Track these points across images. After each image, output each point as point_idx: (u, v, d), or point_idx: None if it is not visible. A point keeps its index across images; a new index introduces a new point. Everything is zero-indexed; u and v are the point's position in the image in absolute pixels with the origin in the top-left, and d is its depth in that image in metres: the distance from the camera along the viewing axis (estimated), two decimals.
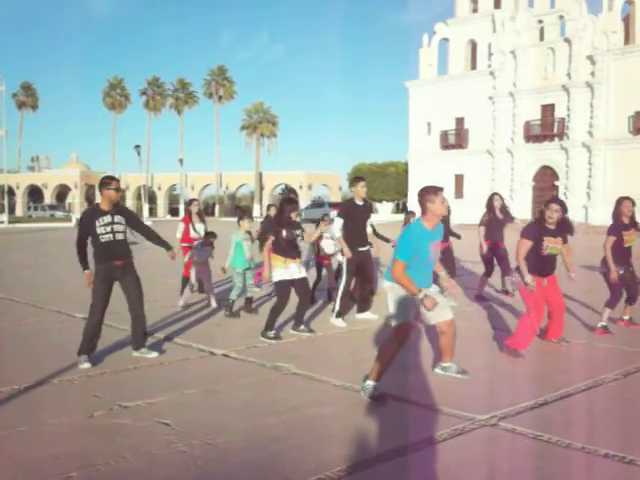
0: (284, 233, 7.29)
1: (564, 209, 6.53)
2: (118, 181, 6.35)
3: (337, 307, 8.13)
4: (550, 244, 6.48)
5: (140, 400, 4.93)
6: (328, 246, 9.87)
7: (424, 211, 5.14)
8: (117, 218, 6.15)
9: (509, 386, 5.48)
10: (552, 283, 6.64)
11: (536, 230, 6.55)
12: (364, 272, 8.31)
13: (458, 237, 10.50)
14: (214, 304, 9.44)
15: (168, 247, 6.66)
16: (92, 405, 4.82)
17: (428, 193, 5.12)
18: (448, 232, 9.84)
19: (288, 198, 7.76)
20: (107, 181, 6.18)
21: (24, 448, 4.03)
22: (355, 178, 8.32)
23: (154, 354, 6.36)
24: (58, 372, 5.72)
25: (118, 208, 6.27)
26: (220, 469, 3.72)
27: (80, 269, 6.17)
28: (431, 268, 5.33)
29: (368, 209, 8.49)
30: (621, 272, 7.47)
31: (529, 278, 6.39)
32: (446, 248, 9.82)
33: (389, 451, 3.94)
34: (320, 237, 9.81)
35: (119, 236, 6.15)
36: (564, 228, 6.69)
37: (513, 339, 6.45)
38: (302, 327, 7.56)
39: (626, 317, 7.93)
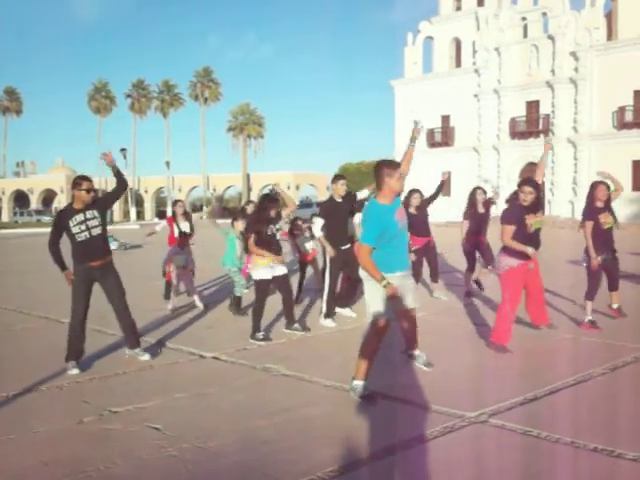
0: (268, 230, 7.26)
1: (537, 189, 6.53)
2: (90, 181, 6.15)
3: (324, 309, 8.13)
4: (533, 221, 6.48)
5: (130, 405, 4.91)
6: (302, 243, 9.92)
7: (381, 186, 5.01)
8: (89, 213, 6.01)
9: (498, 382, 5.51)
10: (535, 269, 6.61)
11: (516, 212, 6.51)
12: (351, 268, 8.30)
13: (441, 186, 10.06)
14: (200, 305, 9.39)
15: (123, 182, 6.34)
16: (82, 411, 4.80)
17: (387, 167, 5.01)
18: (426, 226, 9.75)
19: (267, 195, 7.69)
20: (78, 182, 6.03)
21: (13, 455, 4.02)
22: (335, 176, 8.34)
23: (147, 356, 6.34)
24: (47, 378, 5.69)
25: (90, 204, 6.07)
26: (211, 472, 3.72)
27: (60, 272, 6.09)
28: (405, 237, 5.23)
29: (350, 202, 8.35)
30: (604, 258, 7.50)
31: (529, 250, 6.36)
32: (427, 243, 9.76)
33: (380, 450, 3.95)
34: (296, 235, 9.85)
35: (95, 231, 6.03)
36: (539, 203, 6.66)
37: (495, 334, 6.48)
38: (296, 325, 7.54)
39: (615, 306, 7.94)
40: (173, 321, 8.52)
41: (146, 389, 5.38)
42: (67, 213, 6.07)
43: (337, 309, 8.44)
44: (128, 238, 21.94)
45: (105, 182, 72.88)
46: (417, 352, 5.79)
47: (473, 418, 4.49)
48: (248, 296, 9.08)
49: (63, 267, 6.02)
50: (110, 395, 5.23)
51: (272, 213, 7.29)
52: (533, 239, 6.51)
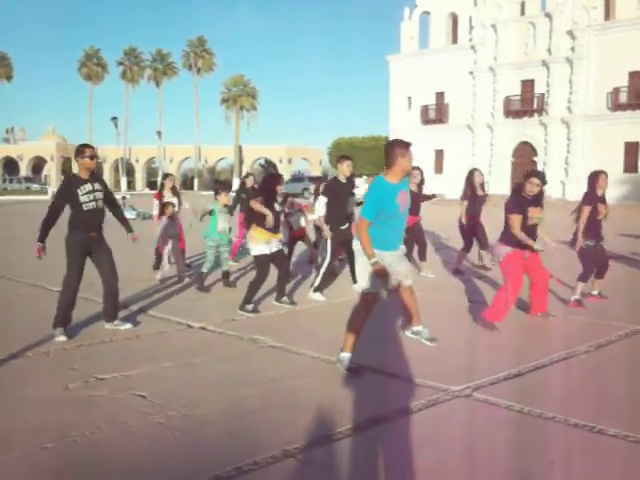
0: (276, 207, 7.34)
1: (543, 182, 6.58)
2: (93, 148, 6.19)
3: (317, 282, 8.15)
4: (534, 214, 6.54)
5: (116, 372, 4.92)
6: (295, 221, 9.97)
7: (391, 164, 5.05)
8: (96, 185, 6.09)
9: (483, 358, 5.57)
10: (534, 256, 6.69)
11: (521, 202, 6.58)
12: (347, 248, 8.33)
13: (432, 197, 10.51)
14: (183, 277, 9.38)
15: (129, 229, 6.59)
16: (68, 377, 4.81)
17: (400, 147, 5.08)
18: (418, 205, 9.77)
19: (273, 173, 7.74)
20: (81, 149, 6.05)
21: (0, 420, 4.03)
22: (341, 157, 8.32)
23: (127, 325, 6.35)
24: (34, 345, 5.69)
25: (95, 176, 6.18)
26: (196, 440, 3.74)
27: (50, 244, 6.01)
28: (403, 220, 5.30)
29: (351, 185, 8.51)
30: (591, 243, 7.57)
31: (536, 246, 6.46)
32: (415, 223, 9.77)
33: (364, 421, 3.99)
34: (288, 214, 9.87)
35: (100, 204, 6.11)
36: (540, 197, 6.71)
37: (489, 311, 6.54)
38: (284, 299, 7.58)
39: (595, 292, 8.04)
40: (162, 291, 8.52)
41: (133, 357, 5.39)
42: (76, 181, 6.06)
43: (311, 294, 8.47)
44: (146, 207, 21.53)
45: (99, 151, 72.40)
46: (420, 327, 5.80)
47: (457, 392, 4.54)
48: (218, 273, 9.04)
49: (42, 238, 5.96)
50: (97, 362, 5.23)
51: (278, 190, 7.37)
52: (530, 232, 6.58)
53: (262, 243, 7.25)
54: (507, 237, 6.62)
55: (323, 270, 8.14)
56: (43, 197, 49.46)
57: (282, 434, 3.80)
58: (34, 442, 3.67)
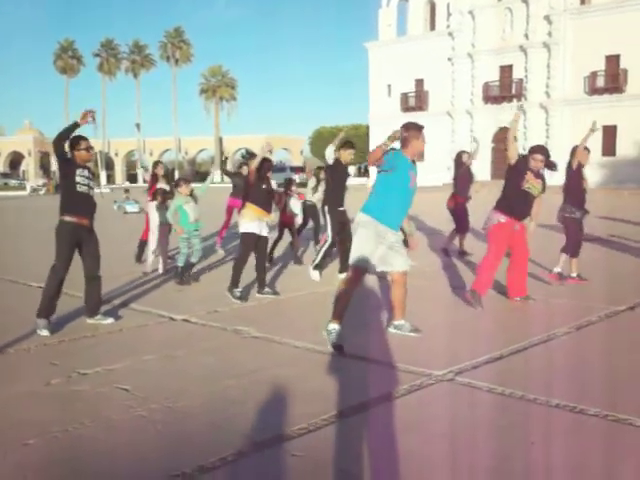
0: (264, 185, 7.43)
1: (547, 156, 6.66)
2: (88, 140, 6.09)
3: (318, 259, 8.35)
4: (531, 180, 6.59)
5: (99, 367, 4.89)
6: (295, 205, 10.16)
7: (406, 145, 5.37)
8: (89, 174, 6.10)
9: (465, 342, 5.60)
10: (521, 231, 6.74)
11: (523, 163, 6.69)
12: (344, 230, 8.41)
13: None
14: (161, 270, 9.28)
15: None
16: (50, 373, 4.77)
17: (415, 129, 5.41)
18: None
19: (266, 158, 7.75)
20: (77, 141, 5.95)
21: None
22: (347, 143, 8.46)
23: (110, 320, 6.30)
24: (14, 341, 5.63)
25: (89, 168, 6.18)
26: (180, 432, 3.73)
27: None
28: (410, 199, 5.48)
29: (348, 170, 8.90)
30: (578, 214, 7.68)
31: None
32: None
33: (348, 408, 4.00)
34: (288, 195, 10.04)
35: (92, 192, 6.11)
36: (542, 174, 6.81)
37: (477, 282, 6.63)
38: (266, 289, 7.58)
39: (573, 274, 8.06)
40: (143, 284, 8.47)
41: (115, 351, 5.35)
42: (75, 163, 5.97)
43: (338, 275, 8.51)
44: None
45: None
46: (402, 321, 5.68)
47: (440, 376, 4.57)
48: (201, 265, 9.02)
49: (75, 123, 5.83)
50: (78, 357, 5.20)
51: (266, 173, 7.47)
52: (523, 199, 6.65)
53: (252, 221, 7.28)
54: (502, 205, 6.69)
55: (325, 247, 8.32)
56: (21, 192, 48.85)
57: (265, 424, 3.80)
58: (14, 438, 3.63)
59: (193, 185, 9.04)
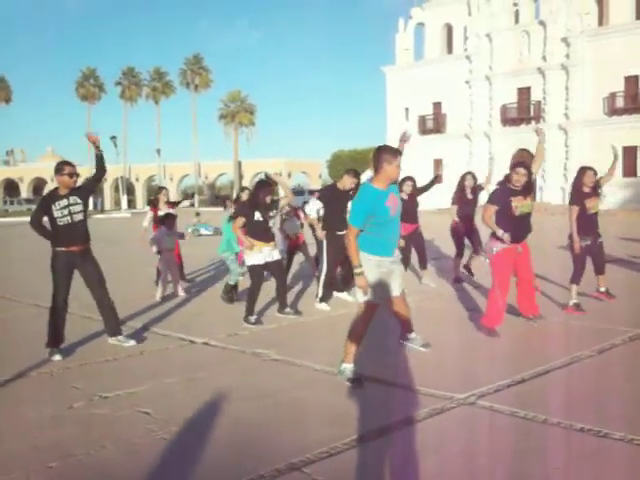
0: (256, 215, 7.31)
1: (530, 172, 6.57)
2: (72, 166, 6.17)
3: (320, 292, 8.18)
4: (519, 204, 6.48)
5: (120, 390, 4.92)
6: (290, 227, 9.95)
7: (378, 170, 5.01)
8: (72, 199, 6.07)
9: (487, 365, 5.55)
10: (524, 254, 6.61)
11: (502, 193, 6.53)
12: (345, 254, 8.34)
13: (435, 180, 10.30)
14: (182, 293, 9.33)
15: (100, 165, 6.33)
16: (71, 396, 4.81)
17: (387, 153, 5.00)
18: (414, 213, 9.71)
19: (262, 181, 7.75)
20: (60, 167, 6.09)
21: (3, 440, 4.02)
22: (349, 170, 8.36)
23: (132, 342, 6.33)
24: (36, 365, 5.69)
25: (75, 190, 6.13)
26: (201, 455, 3.73)
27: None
28: (397, 223, 5.19)
29: (353, 195, 8.47)
30: (587, 243, 7.55)
31: (503, 234, 6.32)
32: (414, 231, 9.72)
33: (369, 432, 3.98)
34: (284, 220, 9.89)
35: (77, 217, 6.08)
36: (530, 188, 6.62)
37: (486, 318, 6.52)
38: (287, 309, 7.59)
39: (602, 289, 7.97)
40: (163, 308, 8.52)
41: (136, 374, 5.38)
42: (52, 197, 6.13)
43: (335, 293, 8.49)
44: (218, 223, 21.41)
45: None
46: (412, 335, 5.69)
47: (462, 400, 4.53)
48: (242, 283, 9.06)
49: (48, 235, 6.08)
50: (100, 381, 5.23)
51: (263, 199, 7.28)
52: (520, 223, 6.51)
53: (255, 253, 7.27)
54: (510, 227, 6.57)
55: (322, 279, 8.16)
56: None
57: (286, 447, 3.79)
58: (38, 461, 3.66)
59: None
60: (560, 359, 5.49)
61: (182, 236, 9.69)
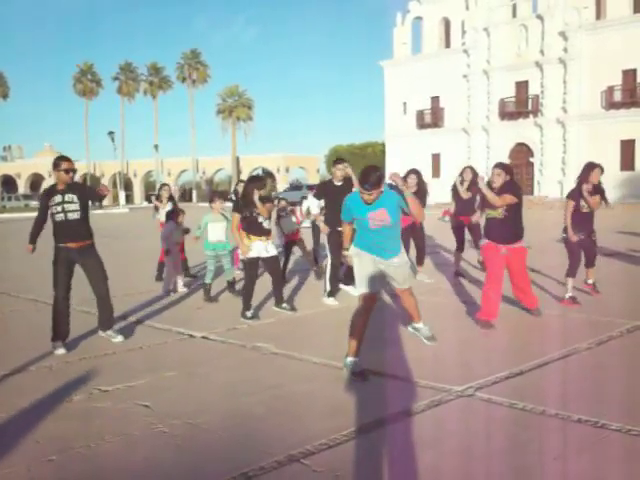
0: (245, 211, 7.34)
1: (508, 172, 6.58)
2: (69, 161, 6.14)
3: (327, 287, 8.19)
4: (489, 209, 6.56)
5: (119, 384, 4.93)
6: (286, 225, 9.98)
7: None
8: (68, 197, 6.02)
9: (485, 358, 5.57)
10: (514, 256, 6.58)
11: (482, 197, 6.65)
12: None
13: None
14: (182, 289, 9.28)
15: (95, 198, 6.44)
16: (71, 390, 4.82)
17: (361, 177, 4.96)
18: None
19: (253, 176, 7.77)
20: (57, 162, 6.07)
21: (3, 434, 4.03)
22: (336, 160, 8.36)
23: (119, 338, 6.33)
24: (36, 359, 5.70)
25: (70, 185, 6.10)
26: (201, 448, 3.75)
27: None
28: (380, 235, 5.16)
29: (348, 189, 8.44)
30: (581, 237, 7.58)
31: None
32: (414, 223, 9.65)
33: (368, 424, 4.00)
34: (279, 217, 9.91)
35: (72, 215, 6.03)
36: (509, 189, 6.55)
37: (482, 311, 6.56)
38: (284, 305, 7.59)
39: (590, 281, 8.02)
40: (163, 302, 8.53)
41: (135, 368, 5.39)
42: (49, 192, 6.14)
43: (341, 286, 8.49)
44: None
45: (93, 166, 72.44)
46: (420, 325, 5.76)
47: (460, 392, 4.55)
48: (224, 282, 9.07)
49: (31, 240, 6.23)
50: (99, 374, 5.24)
51: (253, 194, 7.25)
52: (496, 225, 6.57)
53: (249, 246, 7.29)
54: (485, 229, 6.74)
55: (329, 274, 8.18)
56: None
57: (286, 439, 3.81)
58: (38, 454, 3.68)
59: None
60: (558, 351, 5.52)
61: (187, 231, 9.69)
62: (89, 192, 6.38)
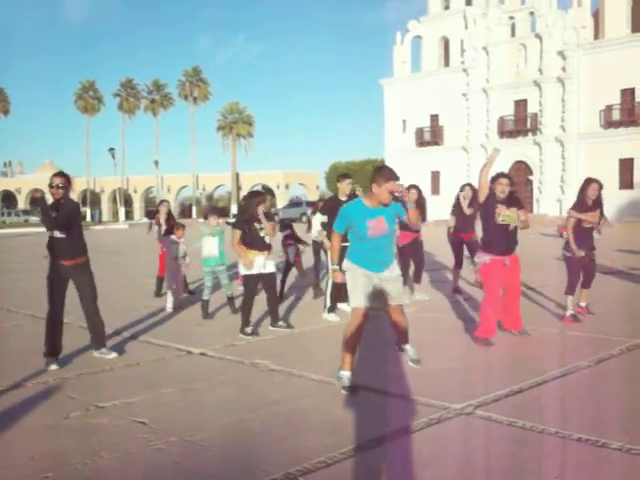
0: (245, 226, 7.32)
1: (511, 183, 6.58)
2: (57, 175, 6.05)
3: (328, 303, 8.18)
4: (503, 211, 6.47)
5: (117, 400, 4.90)
6: (291, 253, 9.88)
7: (370, 189, 5.14)
8: (53, 214, 5.93)
9: (484, 375, 5.54)
10: (512, 267, 6.60)
11: (491, 198, 6.52)
12: None
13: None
14: (169, 309, 8.97)
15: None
16: (68, 406, 4.79)
17: (379, 176, 5.05)
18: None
19: (254, 191, 7.77)
20: (51, 178, 6.05)
21: None
22: (341, 175, 8.43)
23: (113, 355, 6.29)
24: (33, 375, 5.67)
25: (56, 203, 5.99)
26: (198, 465, 3.72)
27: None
28: (379, 245, 5.17)
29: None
30: (582, 254, 7.52)
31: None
32: (415, 240, 9.69)
33: (367, 441, 3.96)
34: (288, 245, 9.85)
35: (56, 234, 5.96)
36: (514, 198, 6.62)
37: (480, 329, 6.53)
38: (280, 323, 7.56)
39: (582, 304, 7.93)
40: (161, 318, 8.50)
41: (133, 385, 5.36)
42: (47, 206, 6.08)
43: (339, 305, 8.47)
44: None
45: (93, 182, 72.58)
46: (407, 346, 5.75)
47: (459, 410, 4.52)
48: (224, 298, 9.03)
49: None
50: (96, 391, 5.21)
51: (258, 209, 7.24)
52: (505, 236, 6.52)
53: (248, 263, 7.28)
54: (485, 243, 6.63)
55: (329, 290, 8.17)
56: (42, 229, 49.49)
57: (284, 456, 3.77)
58: (34, 471, 3.64)
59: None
60: (558, 369, 5.49)
61: (184, 256, 9.57)
62: (67, 214, 6.00)
